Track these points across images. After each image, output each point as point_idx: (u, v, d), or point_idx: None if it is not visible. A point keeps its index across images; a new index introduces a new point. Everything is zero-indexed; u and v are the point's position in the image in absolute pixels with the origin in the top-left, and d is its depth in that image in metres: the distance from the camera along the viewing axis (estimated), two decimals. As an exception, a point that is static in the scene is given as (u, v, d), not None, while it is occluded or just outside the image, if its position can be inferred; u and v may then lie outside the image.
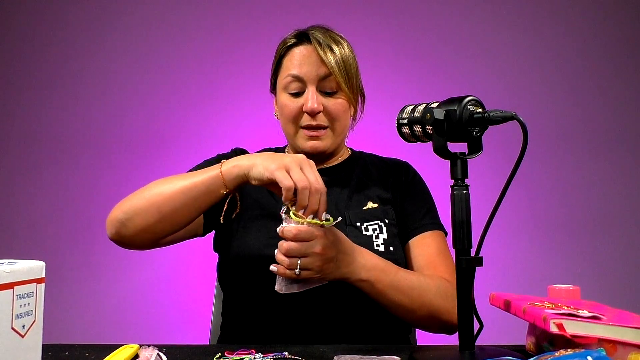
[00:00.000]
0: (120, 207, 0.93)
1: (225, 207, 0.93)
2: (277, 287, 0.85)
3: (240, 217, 1.03)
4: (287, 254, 0.81)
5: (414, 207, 1.10)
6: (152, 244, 0.96)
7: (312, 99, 1.02)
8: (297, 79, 1.03)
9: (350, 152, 1.19)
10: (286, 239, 0.82)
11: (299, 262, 0.81)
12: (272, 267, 0.83)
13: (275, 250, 0.83)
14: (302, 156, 0.85)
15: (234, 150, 1.17)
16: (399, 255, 1.02)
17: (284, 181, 0.80)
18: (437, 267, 1.01)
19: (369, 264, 0.90)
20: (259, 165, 0.84)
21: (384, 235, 1.01)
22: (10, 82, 2.35)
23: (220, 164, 0.89)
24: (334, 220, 0.85)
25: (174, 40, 2.32)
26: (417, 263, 1.04)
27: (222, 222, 0.94)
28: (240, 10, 2.30)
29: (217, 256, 1.10)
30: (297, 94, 1.04)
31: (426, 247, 1.05)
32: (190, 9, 2.33)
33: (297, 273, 0.81)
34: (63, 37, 2.35)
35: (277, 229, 0.83)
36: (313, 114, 1.03)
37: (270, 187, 0.85)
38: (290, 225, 0.82)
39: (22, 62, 2.36)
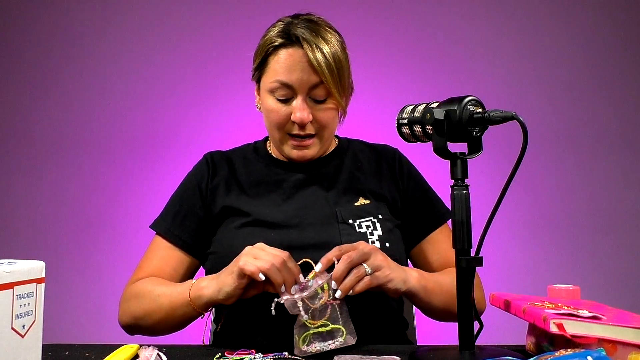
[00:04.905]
0: (123, 315, 1.01)
1: (205, 328, 0.96)
2: (296, 351, 0.81)
3: (223, 229, 1.03)
4: (352, 262, 0.81)
5: (415, 207, 1.09)
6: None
7: (301, 109, 0.97)
8: (286, 85, 0.97)
9: (337, 141, 1.16)
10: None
11: (365, 266, 0.82)
12: (338, 293, 0.81)
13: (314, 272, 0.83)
14: (247, 249, 0.85)
15: (205, 157, 1.13)
16: (396, 250, 1.01)
17: (255, 277, 0.80)
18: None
19: (415, 273, 0.93)
20: (223, 287, 0.85)
21: (379, 232, 0.99)
22: (10, 82, 2.35)
23: (189, 286, 0.90)
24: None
25: (173, 40, 2.32)
26: (436, 262, 1.08)
27: (203, 343, 0.96)
28: (240, 9, 2.30)
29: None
30: (284, 100, 0.99)
31: (440, 243, 1.08)
32: (190, 9, 2.33)
33: (369, 272, 0.82)
34: (63, 37, 2.35)
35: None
36: (302, 125, 0.99)
37: (246, 294, 0.85)
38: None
39: (22, 62, 2.35)
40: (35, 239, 2.25)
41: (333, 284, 0.81)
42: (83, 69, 2.33)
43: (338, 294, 0.81)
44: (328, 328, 0.81)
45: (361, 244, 0.86)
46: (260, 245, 0.85)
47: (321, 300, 0.81)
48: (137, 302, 0.97)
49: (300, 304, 0.80)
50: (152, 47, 2.32)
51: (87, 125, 2.31)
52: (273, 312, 0.80)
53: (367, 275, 0.82)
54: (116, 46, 2.34)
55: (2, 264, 0.59)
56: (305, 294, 0.80)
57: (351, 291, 0.81)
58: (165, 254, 1.04)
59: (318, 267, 0.82)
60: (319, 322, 0.81)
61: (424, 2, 2.30)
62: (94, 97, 2.32)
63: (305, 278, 0.83)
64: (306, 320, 0.80)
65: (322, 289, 0.82)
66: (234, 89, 2.27)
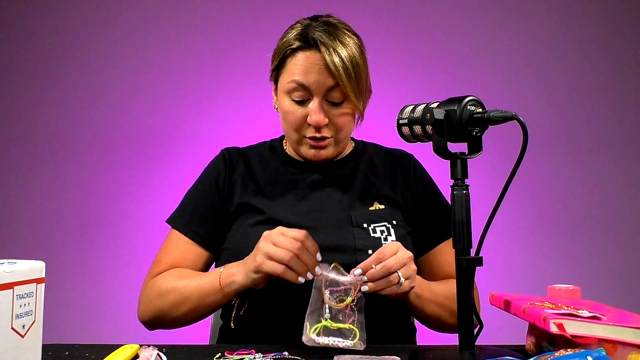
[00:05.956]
0: (146, 310, 1.00)
1: (234, 312, 0.98)
2: (304, 339, 0.81)
3: (237, 225, 1.03)
4: (390, 270, 0.83)
5: (427, 215, 1.10)
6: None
7: (317, 112, 0.98)
8: (303, 87, 0.98)
9: (353, 144, 1.17)
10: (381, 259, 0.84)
11: (399, 275, 0.83)
12: (364, 287, 0.83)
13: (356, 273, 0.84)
14: (266, 234, 0.86)
15: (222, 153, 1.13)
16: None
17: (275, 272, 0.83)
18: None
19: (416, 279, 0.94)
20: (249, 274, 0.87)
21: (392, 237, 0.99)
22: (9, 81, 2.35)
23: (218, 274, 0.93)
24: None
25: (173, 39, 2.32)
26: (440, 272, 1.08)
27: (232, 327, 0.97)
28: (241, 8, 2.30)
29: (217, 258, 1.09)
30: (301, 102, 1.00)
31: (447, 254, 1.09)
32: (190, 8, 2.33)
33: (402, 282, 0.84)
34: (62, 36, 2.35)
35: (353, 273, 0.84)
36: (318, 127, 1.00)
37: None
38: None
39: (22, 62, 2.35)
40: (35, 239, 2.25)
41: (363, 278, 0.83)
42: (83, 68, 2.33)
43: (365, 288, 0.83)
44: (345, 325, 0.81)
45: (400, 248, 0.87)
46: (278, 230, 0.86)
47: (347, 300, 0.82)
48: (163, 296, 0.98)
49: (327, 290, 0.82)
50: (152, 46, 2.32)
51: (88, 125, 2.31)
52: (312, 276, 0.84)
53: (399, 284, 0.84)
54: (116, 45, 2.34)
55: (2, 264, 0.59)
56: (341, 279, 0.83)
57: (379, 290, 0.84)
58: (184, 249, 1.05)
59: (357, 272, 0.83)
60: (338, 307, 0.82)
61: (424, 2, 2.30)
62: (94, 96, 2.32)
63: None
64: (330, 299, 0.82)
65: (351, 290, 0.83)
66: (236, 89, 2.27)
